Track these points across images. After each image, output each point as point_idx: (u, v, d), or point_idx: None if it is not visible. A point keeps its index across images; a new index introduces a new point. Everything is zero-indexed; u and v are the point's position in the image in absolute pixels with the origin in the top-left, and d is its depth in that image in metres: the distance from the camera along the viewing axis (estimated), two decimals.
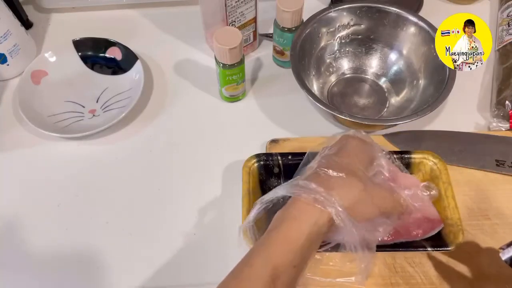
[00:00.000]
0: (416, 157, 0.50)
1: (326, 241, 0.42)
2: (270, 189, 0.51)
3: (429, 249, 0.45)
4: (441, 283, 0.47)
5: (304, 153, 0.49)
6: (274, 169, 0.51)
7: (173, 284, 0.49)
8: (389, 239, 0.45)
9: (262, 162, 0.51)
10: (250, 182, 0.49)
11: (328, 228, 0.38)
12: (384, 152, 0.45)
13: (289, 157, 0.51)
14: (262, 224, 0.42)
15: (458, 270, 0.48)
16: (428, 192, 0.48)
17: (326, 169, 0.40)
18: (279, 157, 0.51)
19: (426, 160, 0.50)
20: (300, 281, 0.38)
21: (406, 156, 0.50)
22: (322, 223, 0.37)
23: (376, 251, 0.42)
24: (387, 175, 0.44)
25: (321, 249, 0.42)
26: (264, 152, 0.56)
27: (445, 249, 0.45)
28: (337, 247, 0.41)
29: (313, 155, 0.46)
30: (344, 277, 0.42)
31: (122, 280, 0.49)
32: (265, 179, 0.51)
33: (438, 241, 0.45)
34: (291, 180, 0.41)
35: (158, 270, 0.50)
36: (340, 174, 0.39)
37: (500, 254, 0.40)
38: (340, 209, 0.37)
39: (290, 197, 0.40)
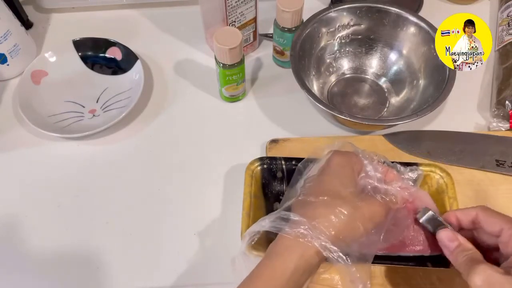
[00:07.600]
0: (423, 170, 0.48)
1: None
2: (272, 194, 0.51)
3: (429, 266, 0.43)
4: (441, 283, 0.47)
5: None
6: (278, 174, 0.50)
7: (172, 284, 0.49)
8: (389, 247, 0.43)
9: (265, 166, 0.50)
10: (252, 185, 0.48)
11: (321, 257, 0.37)
12: (376, 157, 0.43)
13: (293, 162, 0.50)
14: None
15: (458, 270, 0.47)
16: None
17: (309, 195, 0.39)
18: (282, 162, 0.50)
19: (433, 173, 0.48)
20: None
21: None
22: (309, 255, 0.36)
23: (377, 263, 0.41)
24: (376, 183, 0.42)
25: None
26: (264, 152, 0.56)
27: (446, 267, 0.42)
28: None
29: (311, 160, 0.45)
30: None
31: (122, 280, 0.49)
32: (268, 183, 0.50)
33: (440, 256, 0.42)
34: (276, 211, 0.40)
35: (158, 270, 0.50)
36: (323, 198, 0.39)
37: (418, 217, 0.42)
38: (324, 241, 0.36)
39: None
